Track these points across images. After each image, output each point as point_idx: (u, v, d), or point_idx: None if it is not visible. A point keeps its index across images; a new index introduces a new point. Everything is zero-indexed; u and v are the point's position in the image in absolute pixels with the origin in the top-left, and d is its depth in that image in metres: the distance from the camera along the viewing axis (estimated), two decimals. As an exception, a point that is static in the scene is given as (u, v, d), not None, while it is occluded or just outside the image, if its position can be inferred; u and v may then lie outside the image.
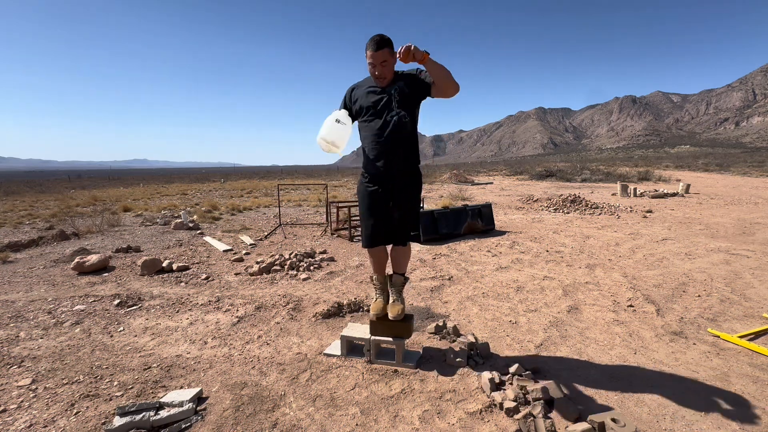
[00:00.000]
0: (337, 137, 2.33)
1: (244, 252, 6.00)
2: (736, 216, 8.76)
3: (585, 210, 9.83)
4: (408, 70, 2.41)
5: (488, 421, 2.05)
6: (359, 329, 2.77)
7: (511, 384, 2.32)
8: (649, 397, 2.24)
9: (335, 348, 2.78)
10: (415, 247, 6.04)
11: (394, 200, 2.45)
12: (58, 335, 3.17)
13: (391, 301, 2.67)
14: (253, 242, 6.72)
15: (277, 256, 5.23)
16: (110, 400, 2.29)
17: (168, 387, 2.41)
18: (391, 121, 2.31)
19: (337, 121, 2.33)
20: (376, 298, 2.71)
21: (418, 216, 2.55)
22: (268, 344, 2.97)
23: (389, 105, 2.32)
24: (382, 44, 2.21)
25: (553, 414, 2.08)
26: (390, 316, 2.57)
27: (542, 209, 10.44)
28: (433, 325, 3.06)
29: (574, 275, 4.56)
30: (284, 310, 3.61)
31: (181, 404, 2.15)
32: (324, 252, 5.80)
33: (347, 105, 2.50)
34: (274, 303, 3.81)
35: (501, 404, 2.13)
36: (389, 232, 2.51)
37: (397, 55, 2.19)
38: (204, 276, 4.70)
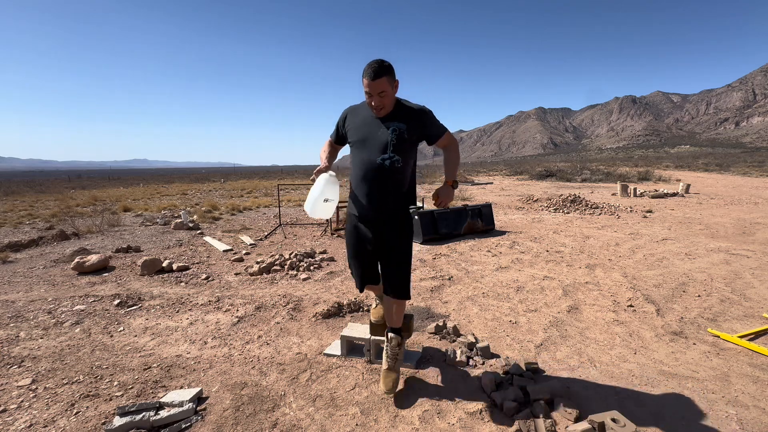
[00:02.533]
0: (325, 213, 2.15)
1: (244, 252, 6.00)
2: (736, 216, 8.76)
3: (585, 210, 9.83)
4: (415, 105, 2.12)
5: (488, 421, 2.05)
6: (359, 329, 2.77)
7: (511, 384, 2.32)
8: (649, 397, 2.24)
9: (335, 348, 2.78)
10: (415, 247, 6.03)
11: (383, 245, 2.18)
12: (58, 335, 3.17)
13: (384, 368, 2.33)
14: (253, 242, 6.72)
15: (277, 256, 5.23)
16: (110, 400, 2.29)
17: (168, 387, 2.41)
18: (383, 164, 2.03)
19: (326, 200, 2.12)
20: (376, 304, 2.65)
21: (410, 266, 2.26)
22: (268, 344, 2.97)
23: (384, 145, 2.03)
24: (380, 72, 1.91)
25: (553, 414, 2.08)
26: (383, 389, 2.25)
27: (542, 209, 10.44)
28: (433, 325, 3.06)
29: (574, 275, 4.56)
30: (284, 310, 3.61)
31: (181, 404, 2.15)
32: (324, 252, 5.80)
33: (339, 131, 2.26)
34: (274, 303, 3.81)
35: (501, 404, 2.13)
36: (377, 275, 2.33)
37: (433, 202, 2.04)
38: (204, 276, 4.70)
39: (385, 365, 2.34)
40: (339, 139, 2.29)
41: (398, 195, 2.12)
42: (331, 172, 2.17)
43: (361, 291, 2.41)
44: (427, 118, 2.08)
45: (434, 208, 7.26)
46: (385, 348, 2.41)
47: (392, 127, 2.02)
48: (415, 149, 2.15)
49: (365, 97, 2.01)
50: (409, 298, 2.29)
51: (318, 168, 2.19)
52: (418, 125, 2.06)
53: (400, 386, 2.37)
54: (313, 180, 2.17)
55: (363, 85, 1.95)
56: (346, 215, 2.33)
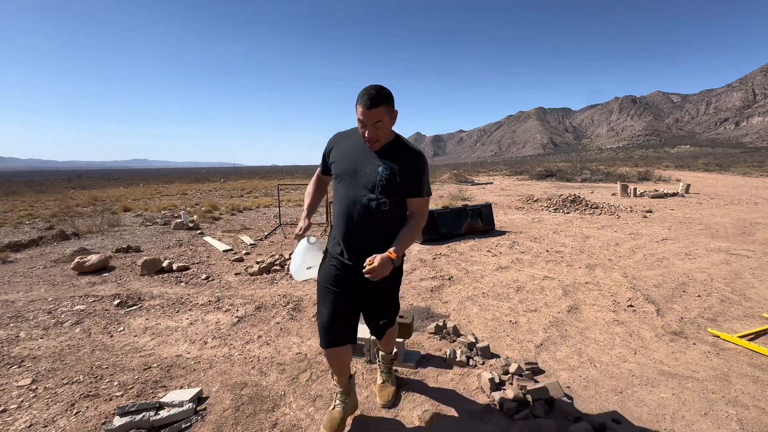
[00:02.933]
0: (312, 275, 2.00)
1: (244, 252, 6.00)
2: (736, 216, 8.75)
3: (585, 210, 9.83)
4: (413, 147, 1.84)
5: (488, 421, 2.05)
6: (359, 329, 2.77)
7: (511, 384, 2.32)
8: (649, 397, 2.24)
9: (335, 348, 2.77)
10: (415, 247, 6.03)
11: (366, 290, 1.89)
12: (58, 335, 3.17)
13: (379, 381, 2.30)
14: (253, 242, 6.72)
15: (277, 256, 5.23)
16: (110, 400, 2.29)
17: (168, 387, 2.41)
18: (368, 205, 1.76)
19: (309, 268, 1.97)
20: (334, 406, 2.05)
21: (398, 299, 2.06)
22: (268, 344, 2.97)
23: (372, 184, 1.75)
24: (378, 100, 1.63)
25: (553, 414, 2.08)
26: (380, 402, 2.20)
27: (542, 209, 10.44)
28: (433, 325, 3.06)
29: (574, 275, 4.56)
30: (284, 310, 3.61)
31: (181, 404, 2.15)
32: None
33: (326, 160, 1.97)
34: (274, 303, 3.81)
35: (501, 404, 2.13)
36: (352, 332, 1.94)
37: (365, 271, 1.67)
38: (204, 276, 4.69)
39: (380, 379, 2.30)
40: (326, 169, 1.99)
41: (384, 239, 1.79)
42: (311, 238, 1.98)
43: (326, 347, 1.89)
44: (421, 166, 1.80)
45: (434, 208, 7.26)
46: (378, 363, 2.33)
47: (384, 165, 1.75)
48: (405, 196, 1.82)
49: (358, 126, 1.74)
50: (394, 323, 2.12)
51: (297, 229, 1.97)
52: (410, 170, 1.77)
53: (401, 386, 2.37)
54: (298, 238, 1.97)
55: (356, 113, 1.68)
56: (326, 250, 1.98)
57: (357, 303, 1.93)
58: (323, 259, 1.97)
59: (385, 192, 1.75)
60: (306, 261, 1.95)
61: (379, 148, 1.77)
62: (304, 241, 1.98)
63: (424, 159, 1.82)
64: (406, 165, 1.77)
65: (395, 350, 2.40)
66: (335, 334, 1.88)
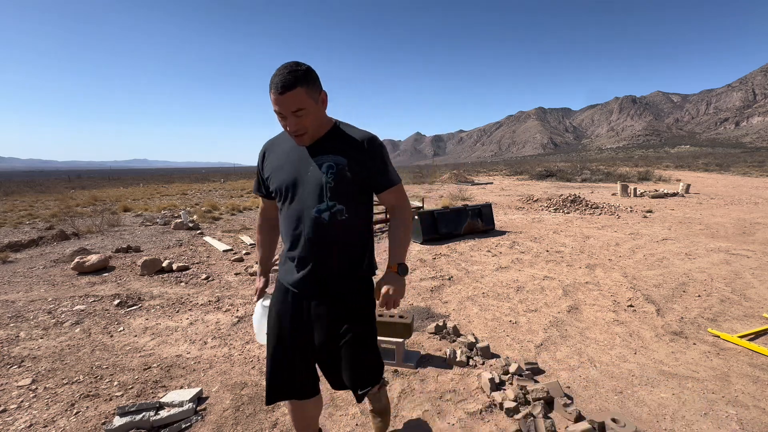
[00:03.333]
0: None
1: (244, 252, 6.00)
2: (736, 216, 8.76)
3: (585, 210, 9.83)
4: (359, 132, 1.44)
5: (488, 421, 2.05)
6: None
7: (511, 384, 2.32)
8: (649, 397, 2.24)
9: (335, 348, 2.77)
10: (415, 247, 6.04)
11: (328, 329, 1.45)
12: (58, 335, 3.17)
13: (369, 408, 1.91)
14: (253, 242, 6.72)
15: (276, 257, 5.23)
16: (110, 400, 2.29)
17: (168, 387, 2.41)
18: (319, 219, 1.38)
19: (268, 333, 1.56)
20: None
21: (376, 345, 1.56)
22: (268, 344, 2.97)
23: (318, 190, 1.37)
24: (292, 82, 1.24)
25: (553, 414, 2.08)
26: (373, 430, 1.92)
27: (542, 209, 10.44)
28: (433, 325, 3.06)
29: (574, 275, 4.56)
30: (284, 310, 3.61)
31: (181, 404, 2.15)
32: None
33: (260, 177, 1.56)
34: (274, 303, 3.81)
35: (501, 404, 2.13)
36: (307, 383, 1.53)
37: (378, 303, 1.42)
38: (204, 276, 4.70)
39: (370, 406, 1.91)
40: (266, 190, 1.55)
41: (349, 261, 1.45)
42: (269, 298, 1.60)
43: (269, 403, 1.51)
44: (377, 151, 1.41)
45: (434, 208, 7.26)
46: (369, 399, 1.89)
47: (327, 162, 1.37)
48: (369, 196, 1.49)
49: (279, 120, 1.34)
50: (379, 381, 1.61)
51: (253, 290, 1.61)
52: (364, 159, 1.39)
53: (401, 387, 2.37)
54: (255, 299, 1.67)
55: (272, 103, 1.29)
56: (276, 280, 1.57)
57: (317, 351, 1.49)
58: (274, 291, 1.58)
59: (338, 196, 1.37)
60: (263, 325, 1.58)
61: (313, 142, 1.40)
62: (259, 304, 1.61)
63: (377, 141, 1.43)
64: (356, 155, 1.39)
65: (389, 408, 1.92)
66: (283, 387, 1.49)
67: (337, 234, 1.40)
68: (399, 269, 1.42)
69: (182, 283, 4.52)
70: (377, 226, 7.98)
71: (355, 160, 1.38)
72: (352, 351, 1.46)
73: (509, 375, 2.40)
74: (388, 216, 8.91)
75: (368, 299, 1.52)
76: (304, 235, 1.40)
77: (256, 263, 1.71)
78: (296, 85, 1.25)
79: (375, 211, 9.92)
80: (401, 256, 1.46)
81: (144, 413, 2.07)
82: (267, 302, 1.60)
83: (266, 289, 1.67)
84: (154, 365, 2.67)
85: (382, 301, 1.40)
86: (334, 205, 1.38)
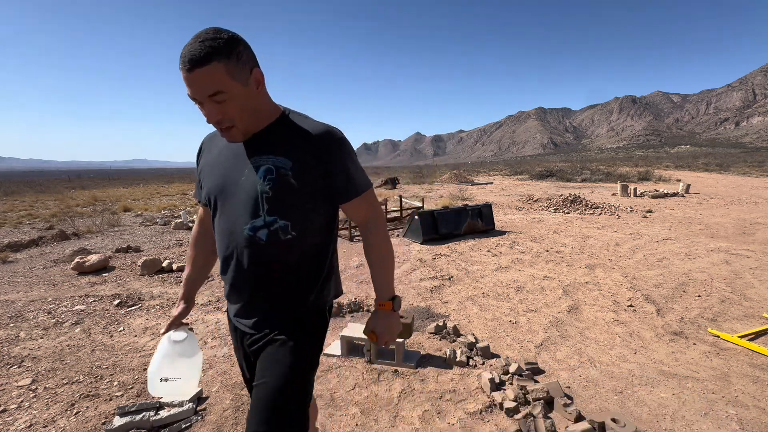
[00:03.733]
0: (165, 393, 1.21)
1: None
2: (736, 216, 8.76)
3: (585, 210, 9.83)
4: (316, 125, 1.10)
5: (488, 421, 2.05)
6: (359, 329, 2.77)
7: (511, 384, 2.32)
8: (649, 397, 2.24)
9: (335, 348, 2.78)
10: (415, 247, 6.04)
11: (263, 360, 1.10)
12: (58, 335, 3.17)
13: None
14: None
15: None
16: (110, 400, 2.29)
17: (168, 387, 2.42)
18: (253, 238, 1.07)
19: (165, 380, 1.18)
20: None
21: (306, 393, 1.08)
22: (268, 344, 2.97)
23: (253, 201, 1.06)
24: (202, 56, 0.93)
25: (553, 414, 2.08)
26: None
27: (542, 209, 10.44)
28: (433, 325, 3.06)
29: (574, 275, 4.56)
30: (284, 310, 3.61)
31: (181, 404, 2.15)
32: (324, 252, 5.80)
33: (200, 180, 1.24)
34: (274, 303, 3.81)
35: (501, 404, 2.13)
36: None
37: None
38: (204, 276, 4.70)
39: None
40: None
41: (298, 290, 1.12)
42: (183, 330, 1.23)
43: None
44: (335, 149, 1.08)
45: (434, 208, 7.26)
46: None
47: (265, 164, 1.05)
48: (327, 206, 1.13)
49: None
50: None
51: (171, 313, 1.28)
52: (316, 161, 1.06)
53: (401, 386, 2.37)
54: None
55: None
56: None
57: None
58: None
59: (280, 209, 1.05)
60: (163, 369, 1.18)
61: (250, 138, 1.07)
62: (166, 337, 1.21)
63: (337, 136, 1.08)
64: (306, 155, 1.04)
65: None
66: None
67: (280, 257, 1.08)
68: (394, 305, 1.18)
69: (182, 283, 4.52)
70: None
71: (303, 162, 1.04)
72: (279, 383, 1.02)
73: (509, 375, 2.40)
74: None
75: (312, 340, 1.14)
76: (236, 259, 1.10)
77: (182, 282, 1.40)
78: (211, 58, 0.92)
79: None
80: (390, 287, 1.18)
81: (144, 413, 2.07)
82: (179, 336, 1.21)
83: (185, 319, 1.28)
84: (154, 365, 2.67)
85: (376, 340, 1.19)
86: (274, 221, 1.05)
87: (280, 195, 1.04)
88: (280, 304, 1.12)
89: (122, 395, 2.33)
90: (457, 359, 2.61)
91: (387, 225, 1.16)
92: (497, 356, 2.71)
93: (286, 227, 1.06)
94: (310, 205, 1.09)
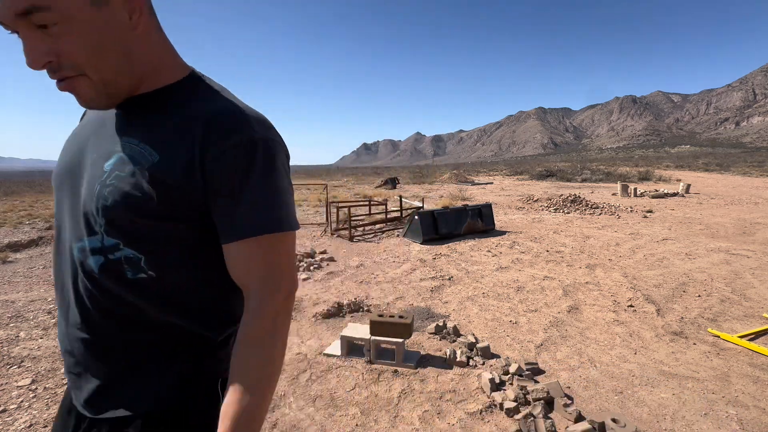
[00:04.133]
0: None
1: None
2: (737, 216, 8.76)
3: (585, 210, 9.83)
4: (213, 112, 0.63)
5: (488, 422, 2.05)
6: (359, 329, 2.77)
7: (511, 384, 2.32)
8: (650, 397, 2.24)
9: (335, 348, 2.78)
10: (415, 247, 6.03)
11: None
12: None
13: None
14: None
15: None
16: (110, 400, 2.29)
17: (168, 387, 2.41)
18: (84, 267, 0.64)
19: None
20: None
21: None
22: (268, 344, 2.96)
23: (92, 209, 0.63)
24: None
25: (553, 414, 2.08)
26: None
27: (542, 209, 10.44)
28: (433, 325, 3.06)
29: (574, 275, 4.56)
30: (284, 310, 3.61)
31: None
32: (324, 252, 5.80)
33: None
34: (274, 303, 3.81)
35: (501, 404, 2.13)
36: None
37: None
38: (204, 276, 4.69)
39: None
40: None
41: (159, 356, 0.67)
42: None
43: None
44: (237, 147, 0.62)
45: (434, 208, 7.26)
46: None
47: (119, 152, 0.64)
48: (203, 217, 0.65)
49: None
50: None
51: None
52: (202, 167, 0.62)
53: (401, 387, 2.37)
54: None
55: None
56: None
57: None
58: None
59: (120, 229, 0.63)
60: None
61: (118, 101, 0.66)
62: None
63: (255, 134, 0.64)
64: (189, 152, 0.62)
65: None
66: None
67: (123, 305, 0.65)
68: None
69: (182, 283, 4.52)
70: (377, 226, 7.95)
71: (177, 163, 0.62)
72: None
73: (509, 375, 2.40)
74: (389, 216, 8.72)
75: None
76: (63, 299, 0.70)
77: None
78: None
79: (374, 201, 9.75)
80: (262, 417, 0.62)
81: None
82: None
83: None
84: (154, 365, 2.67)
85: None
86: (116, 246, 0.63)
87: (124, 208, 0.61)
88: (118, 390, 0.67)
89: (122, 395, 2.33)
90: (457, 359, 2.61)
91: (289, 326, 0.74)
92: (497, 356, 2.71)
93: (135, 261, 0.63)
94: (182, 231, 0.64)
